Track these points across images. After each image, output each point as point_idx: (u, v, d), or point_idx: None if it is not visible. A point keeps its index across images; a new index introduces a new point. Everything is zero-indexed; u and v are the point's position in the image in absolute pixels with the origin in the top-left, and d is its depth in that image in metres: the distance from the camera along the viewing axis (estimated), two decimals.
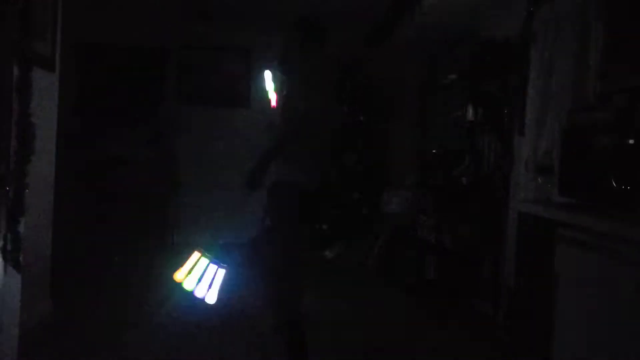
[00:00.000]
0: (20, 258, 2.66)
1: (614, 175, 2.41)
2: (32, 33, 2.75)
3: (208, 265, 2.79)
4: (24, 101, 2.64)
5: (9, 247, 2.57)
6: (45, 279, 3.85)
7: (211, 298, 2.80)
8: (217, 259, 2.79)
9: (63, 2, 3.86)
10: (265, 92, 4.21)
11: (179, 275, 2.82)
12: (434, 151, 5.42)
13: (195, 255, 2.83)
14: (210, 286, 2.78)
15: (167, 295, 4.01)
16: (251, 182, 2.65)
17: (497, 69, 4.32)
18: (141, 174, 5.73)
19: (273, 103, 3.88)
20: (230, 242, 3.26)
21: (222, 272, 2.79)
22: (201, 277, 2.79)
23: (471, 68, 4.59)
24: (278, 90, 3.65)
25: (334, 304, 4.48)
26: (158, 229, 5.83)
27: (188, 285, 2.78)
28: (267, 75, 4.17)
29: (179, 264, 2.86)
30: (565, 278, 2.43)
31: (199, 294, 2.77)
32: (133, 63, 6.33)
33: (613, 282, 2.06)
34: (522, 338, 3.26)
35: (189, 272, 2.79)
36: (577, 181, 2.69)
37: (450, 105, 5.35)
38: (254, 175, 2.64)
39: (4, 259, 2.57)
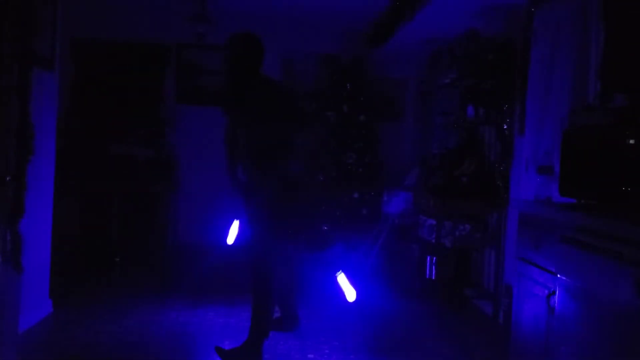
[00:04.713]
0: (20, 258, 2.66)
1: (614, 175, 2.41)
2: (32, 32, 2.74)
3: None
4: (24, 101, 2.64)
5: (9, 247, 2.57)
6: (45, 279, 3.85)
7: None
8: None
9: (63, 0, 3.87)
10: None
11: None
12: (434, 151, 5.42)
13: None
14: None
15: None
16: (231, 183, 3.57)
17: (497, 68, 4.32)
18: (141, 174, 5.73)
19: None
20: None
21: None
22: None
23: (471, 68, 4.58)
24: None
25: (333, 303, 4.47)
26: (157, 229, 5.82)
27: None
28: None
29: None
30: (564, 278, 2.43)
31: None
32: (133, 62, 6.32)
33: (613, 282, 2.06)
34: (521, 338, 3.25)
35: None
36: (577, 181, 2.69)
37: (450, 105, 5.35)
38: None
39: (4, 259, 2.57)
